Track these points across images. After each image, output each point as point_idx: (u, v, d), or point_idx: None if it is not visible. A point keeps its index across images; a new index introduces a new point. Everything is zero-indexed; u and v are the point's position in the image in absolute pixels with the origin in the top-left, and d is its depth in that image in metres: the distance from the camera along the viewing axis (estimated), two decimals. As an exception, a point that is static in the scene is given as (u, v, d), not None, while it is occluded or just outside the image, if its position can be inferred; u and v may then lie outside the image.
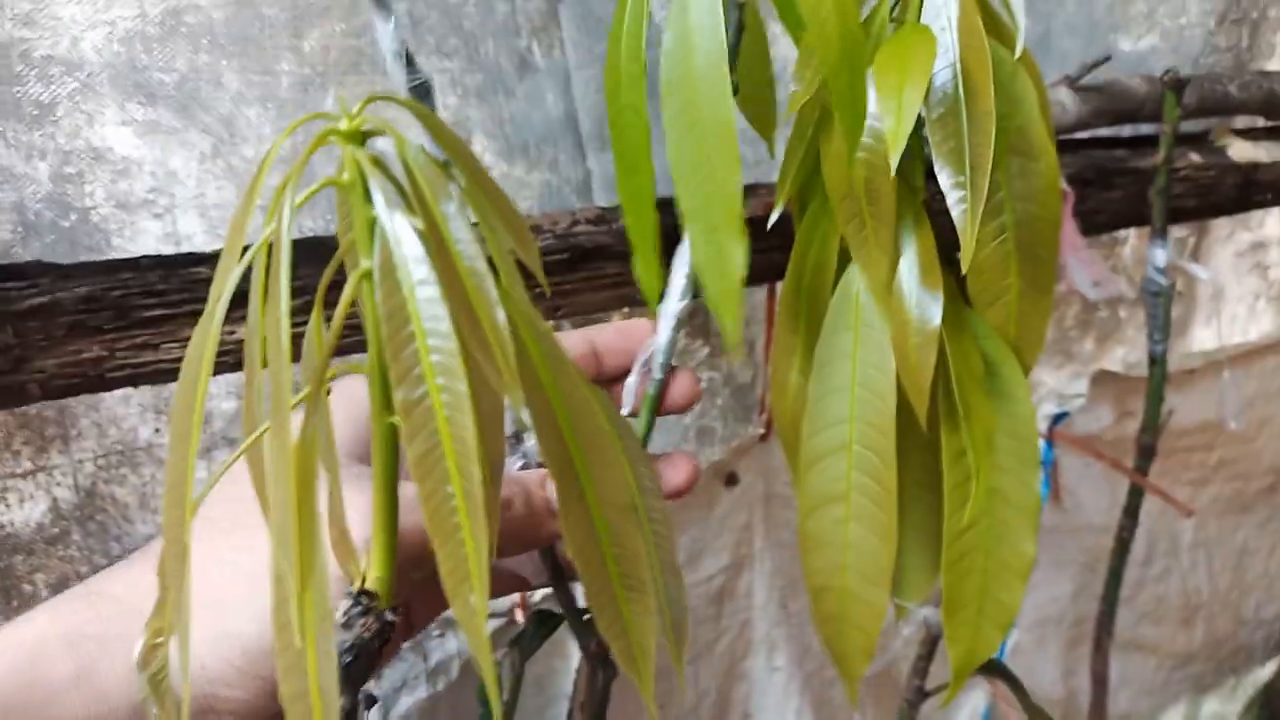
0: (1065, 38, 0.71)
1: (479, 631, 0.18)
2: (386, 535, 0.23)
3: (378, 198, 0.19)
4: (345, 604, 0.23)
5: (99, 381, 0.45)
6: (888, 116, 0.36)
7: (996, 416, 0.41)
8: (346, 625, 0.23)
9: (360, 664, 0.23)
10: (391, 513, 0.23)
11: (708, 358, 0.62)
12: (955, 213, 0.38)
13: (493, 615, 0.64)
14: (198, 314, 0.46)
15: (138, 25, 0.45)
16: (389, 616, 0.23)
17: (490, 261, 0.20)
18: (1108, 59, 0.66)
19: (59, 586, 0.53)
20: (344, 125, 0.20)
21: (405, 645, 0.62)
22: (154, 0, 0.44)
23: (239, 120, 0.46)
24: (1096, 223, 0.72)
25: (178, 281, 0.45)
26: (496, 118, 0.50)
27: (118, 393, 0.52)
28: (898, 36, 0.38)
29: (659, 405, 0.41)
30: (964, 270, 0.38)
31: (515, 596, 0.63)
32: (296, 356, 0.21)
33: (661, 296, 0.45)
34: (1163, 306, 0.68)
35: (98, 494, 0.53)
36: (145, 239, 0.50)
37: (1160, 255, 0.68)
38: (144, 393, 0.53)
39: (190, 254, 0.47)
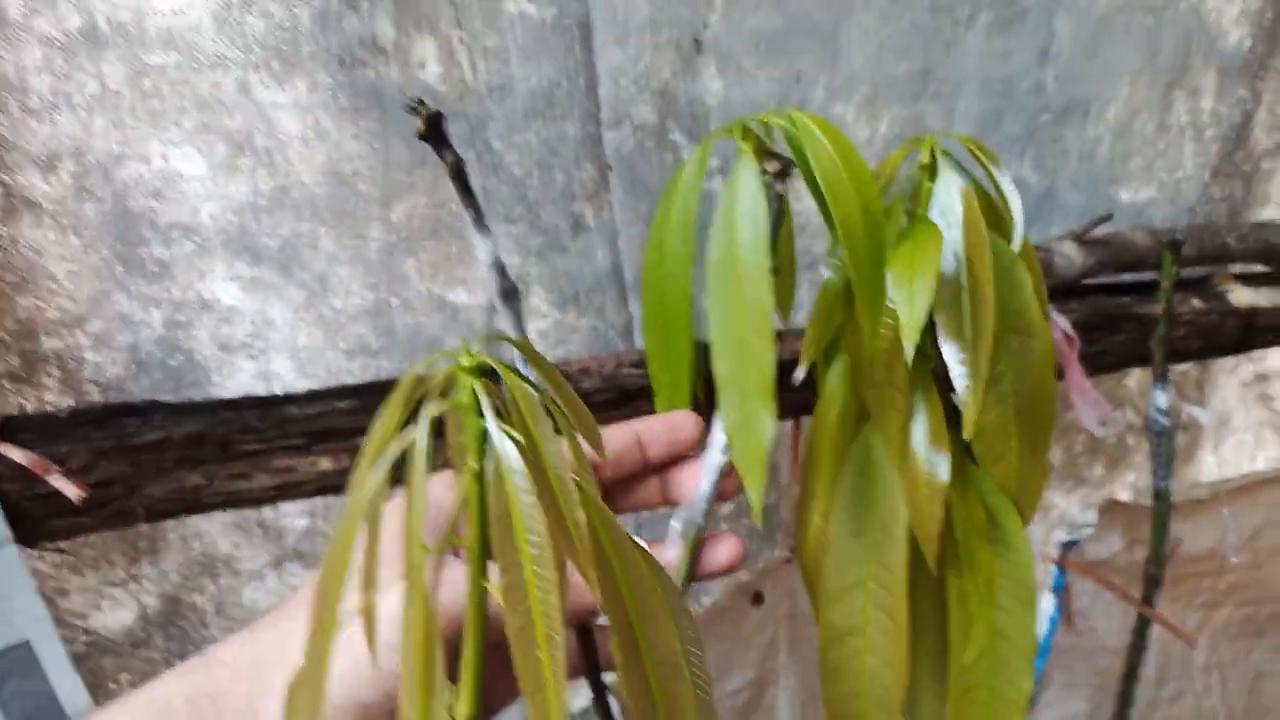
0: (1070, 191, 0.78)
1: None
2: (474, 679, 0.28)
3: (489, 416, 0.25)
4: None
5: (196, 506, 0.51)
6: (902, 306, 0.42)
7: (998, 563, 0.46)
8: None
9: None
10: (479, 660, 0.28)
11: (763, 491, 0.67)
12: (959, 385, 0.43)
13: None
14: (286, 448, 0.52)
15: (250, 198, 0.52)
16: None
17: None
18: (1110, 217, 0.72)
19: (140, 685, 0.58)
20: (465, 361, 0.26)
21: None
22: (266, 178, 0.51)
23: (331, 278, 0.53)
24: (1104, 363, 0.77)
25: (271, 420, 0.51)
26: (553, 273, 0.57)
27: (207, 512, 0.57)
28: (910, 233, 0.44)
29: (695, 567, 0.46)
30: (966, 436, 0.43)
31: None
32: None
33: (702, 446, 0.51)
34: (1165, 445, 0.73)
35: (180, 601, 0.59)
36: (241, 376, 0.56)
37: (1162, 398, 0.72)
38: (226, 515, 0.58)
39: (283, 395, 0.53)
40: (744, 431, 0.42)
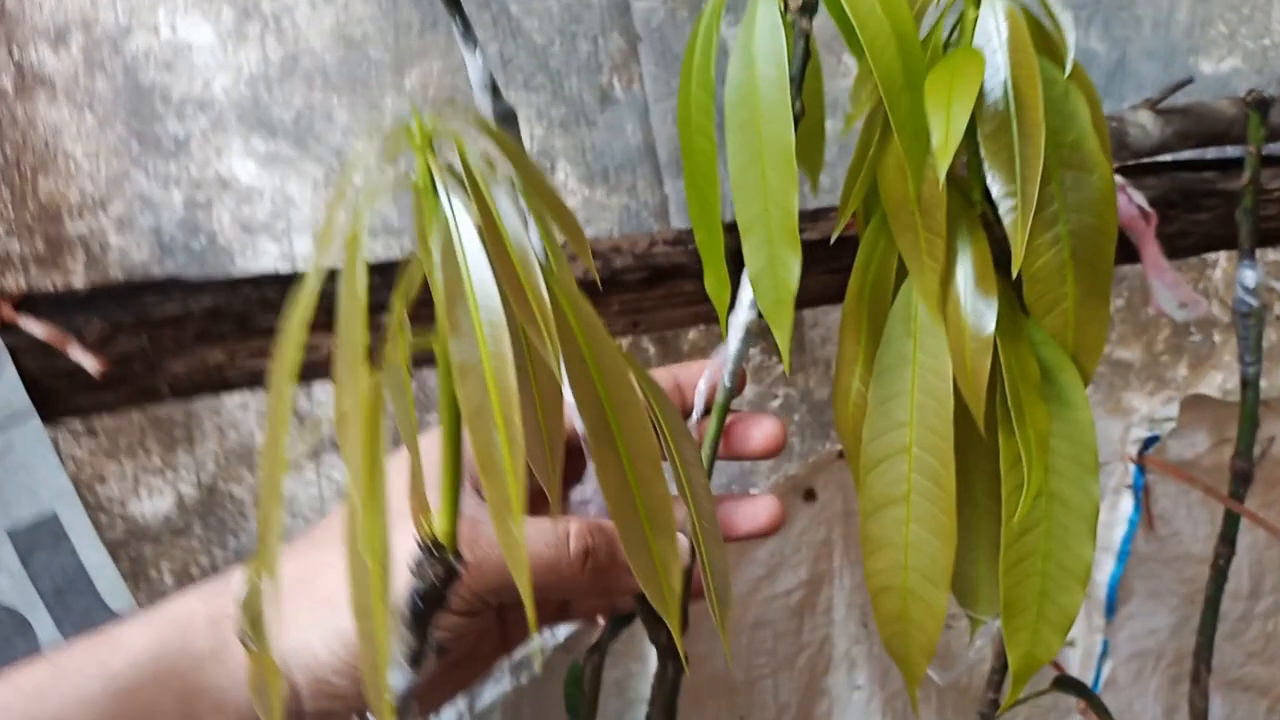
0: (1143, 62, 0.72)
1: (519, 557, 0.21)
2: (451, 493, 0.26)
3: (441, 192, 0.22)
4: (417, 555, 0.26)
5: (220, 384, 0.51)
6: (936, 131, 0.38)
7: (1052, 421, 0.42)
8: (418, 574, 0.26)
9: (429, 607, 0.26)
10: (456, 473, 0.26)
11: (782, 375, 0.64)
12: (1006, 221, 0.39)
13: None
14: (310, 326, 0.51)
15: (261, 68, 0.50)
16: (455, 563, 0.26)
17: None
18: (1190, 81, 0.66)
19: (181, 574, 0.58)
20: (416, 133, 0.24)
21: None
22: (275, 46, 0.50)
23: (349, 152, 0.51)
24: (1184, 245, 0.71)
25: (292, 295, 0.50)
26: (579, 146, 0.54)
27: (237, 399, 0.57)
28: (947, 59, 0.40)
29: (720, 436, 0.43)
30: (1013, 273, 0.39)
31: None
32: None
33: (731, 308, 0.48)
34: (1254, 328, 0.67)
35: (218, 491, 0.59)
36: (265, 259, 0.55)
37: (1249, 276, 0.67)
38: (260, 399, 0.58)
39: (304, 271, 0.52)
40: (769, 275, 0.39)
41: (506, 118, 0.37)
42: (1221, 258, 0.79)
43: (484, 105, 0.37)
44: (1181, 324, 0.77)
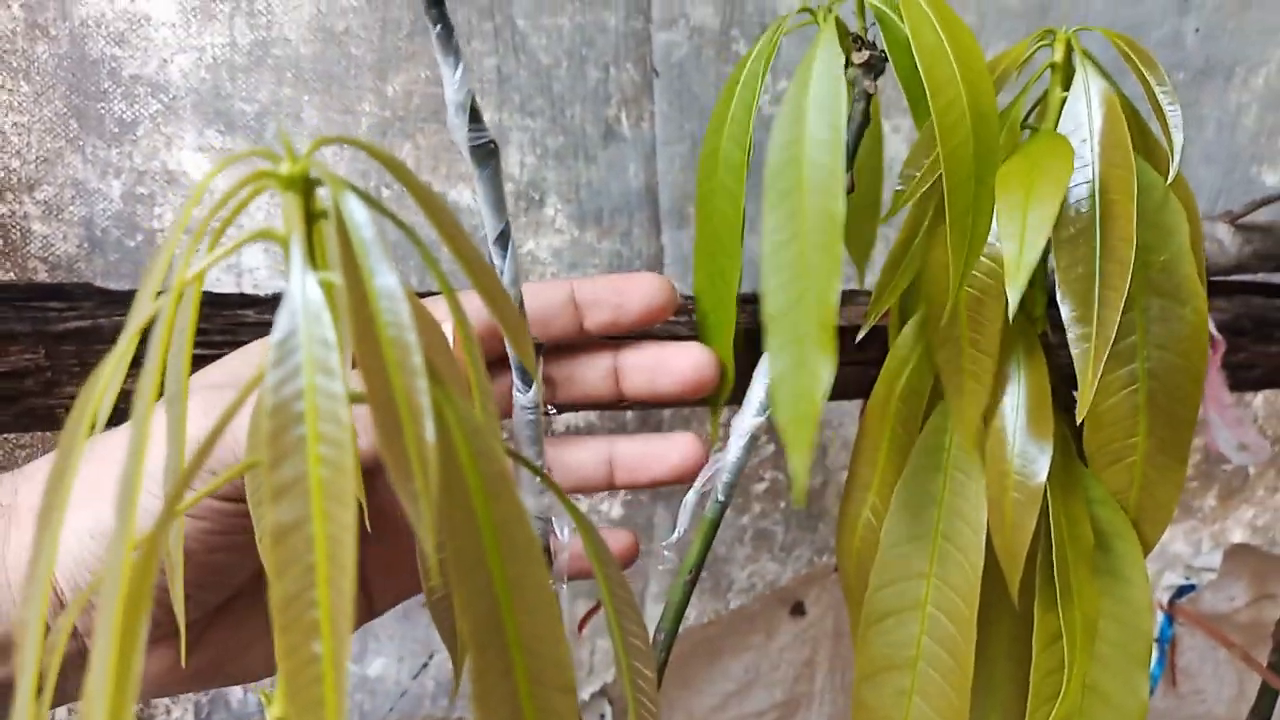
0: (1202, 166, 0.65)
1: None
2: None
3: (296, 250, 0.15)
4: None
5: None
6: (1009, 240, 0.31)
7: (1103, 599, 0.34)
8: None
9: None
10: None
11: (772, 455, 0.57)
12: (1075, 351, 0.32)
13: None
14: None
15: (226, 54, 0.43)
16: None
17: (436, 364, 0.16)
18: (1278, 198, 0.59)
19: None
20: (285, 169, 0.16)
21: None
22: (245, 30, 0.43)
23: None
24: (1248, 378, 0.63)
25: (221, 322, 0.43)
26: (573, 182, 0.47)
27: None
28: (1029, 145, 0.33)
29: (704, 559, 0.36)
30: (1079, 418, 0.32)
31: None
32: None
33: (727, 403, 0.40)
34: (1319, 483, 0.60)
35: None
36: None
37: (1322, 424, 0.59)
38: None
39: (240, 295, 0.45)
40: (792, 379, 0.31)
41: (483, 151, 0.30)
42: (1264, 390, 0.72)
43: (457, 129, 0.30)
44: (1233, 464, 0.69)
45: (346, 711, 0.14)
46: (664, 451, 0.36)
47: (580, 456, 0.37)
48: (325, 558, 0.14)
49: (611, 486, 0.37)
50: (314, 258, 0.17)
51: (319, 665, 0.14)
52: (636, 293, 0.35)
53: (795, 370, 0.33)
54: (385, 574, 0.36)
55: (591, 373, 0.37)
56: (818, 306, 0.32)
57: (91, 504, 0.30)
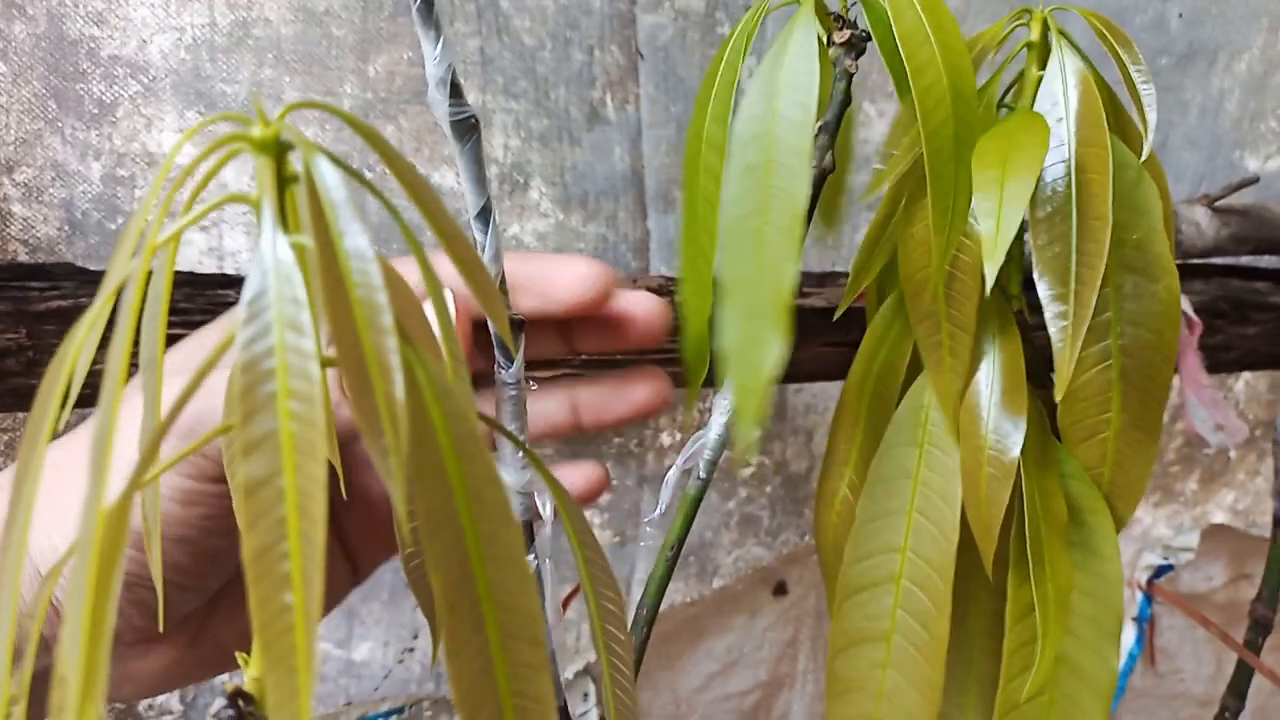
0: (1185, 150, 0.65)
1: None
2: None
3: (267, 212, 0.15)
4: (219, 705, 0.19)
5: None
6: (985, 217, 0.31)
7: (1076, 573, 0.35)
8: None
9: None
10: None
11: (758, 439, 0.57)
12: (1053, 329, 0.32)
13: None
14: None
15: (206, 34, 0.43)
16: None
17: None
18: (1255, 180, 0.59)
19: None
20: (257, 133, 0.17)
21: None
22: (225, 10, 0.43)
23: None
24: (1225, 360, 0.64)
25: (202, 302, 0.43)
26: (558, 165, 0.47)
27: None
28: (1003, 124, 0.33)
29: (684, 537, 0.36)
30: (1058, 396, 0.32)
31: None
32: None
33: (710, 382, 0.41)
34: (1294, 463, 0.60)
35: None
36: (189, 250, 0.48)
37: (1298, 405, 0.60)
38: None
39: (220, 275, 0.45)
40: (743, 356, 0.31)
41: (464, 126, 0.30)
42: (1246, 373, 0.73)
43: (438, 104, 0.30)
44: (1209, 445, 0.70)
45: (317, 659, 0.14)
46: (627, 390, 0.37)
47: (546, 404, 0.37)
48: (296, 510, 0.14)
49: (579, 429, 0.38)
50: (286, 222, 0.17)
51: (291, 615, 0.14)
52: (561, 280, 0.33)
53: (748, 346, 0.33)
54: (367, 539, 0.36)
55: (542, 335, 0.36)
56: (773, 288, 0.32)
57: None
